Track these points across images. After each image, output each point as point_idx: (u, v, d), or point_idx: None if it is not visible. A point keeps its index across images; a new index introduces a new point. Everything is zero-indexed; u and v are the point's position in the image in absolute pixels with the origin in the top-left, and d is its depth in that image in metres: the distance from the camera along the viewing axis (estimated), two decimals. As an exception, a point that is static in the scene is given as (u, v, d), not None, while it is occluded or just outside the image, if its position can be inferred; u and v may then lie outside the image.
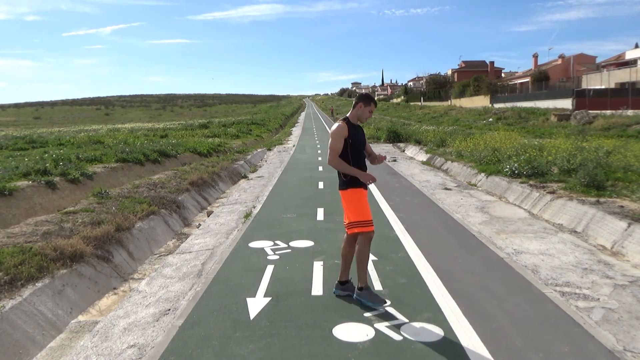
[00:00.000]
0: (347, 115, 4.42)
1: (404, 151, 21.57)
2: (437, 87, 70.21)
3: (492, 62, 70.36)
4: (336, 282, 4.61)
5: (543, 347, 3.52)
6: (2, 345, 3.71)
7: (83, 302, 4.84)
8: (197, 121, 41.07)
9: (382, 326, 3.87)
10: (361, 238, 4.29)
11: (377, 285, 4.79)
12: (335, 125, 4.35)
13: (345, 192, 4.37)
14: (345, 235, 4.49)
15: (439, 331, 3.78)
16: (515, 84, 56.29)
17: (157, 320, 4.26)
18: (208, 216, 9.02)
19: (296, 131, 41.23)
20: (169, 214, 8.16)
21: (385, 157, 4.57)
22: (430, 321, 3.96)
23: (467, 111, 43.60)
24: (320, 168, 15.71)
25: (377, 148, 23.02)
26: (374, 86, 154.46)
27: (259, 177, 14.10)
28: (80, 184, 9.50)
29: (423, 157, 17.97)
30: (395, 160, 17.37)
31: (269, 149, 24.02)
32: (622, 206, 7.07)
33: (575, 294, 4.58)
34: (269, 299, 4.52)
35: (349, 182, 4.34)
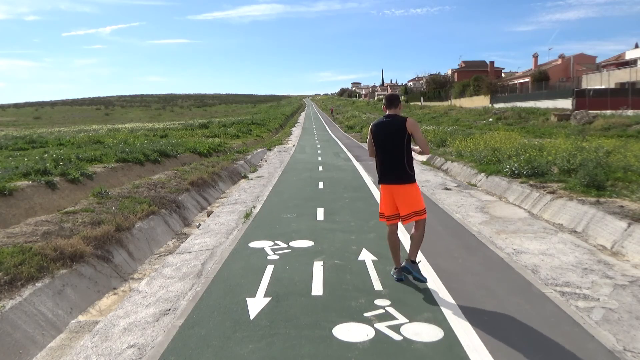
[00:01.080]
0: (398, 112, 4.74)
1: (404, 151, 21.57)
2: (437, 87, 70.16)
3: (492, 62, 70.31)
4: (407, 259, 4.81)
5: (543, 347, 3.52)
6: (2, 345, 3.71)
7: (83, 302, 4.84)
8: (197, 121, 41.07)
9: (382, 326, 3.87)
10: (423, 222, 4.75)
11: (377, 286, 4.79)
12: (411, 119, 4.65)
13: (412, 186, 4.69)
14: (395, 226, 4.86)
15: (439, 331, 3.78)
16: (515, 84, 56.26)
17: (157, 320, 4.26)
18: (208, 216, 9.02)
19: (296, 131, 41.26)
20: (169, 214, 8.16)
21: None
22: (430, 321, 3.96)
23: (467, 111, 43.58)
24: (320, 168, 15.71)
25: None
26: (374, 86, 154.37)
27: (259, 177, 14.10)
28: (80, 184, 9.50)
29: (423, 157, 17.98)
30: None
31: (269, 149, 24.03)
32: (622, 206, 7.07)
33: (575, 294, 4.58)
34: (269, 299, 4.52)
35: (414, 176, 4.72)
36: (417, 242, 4.78)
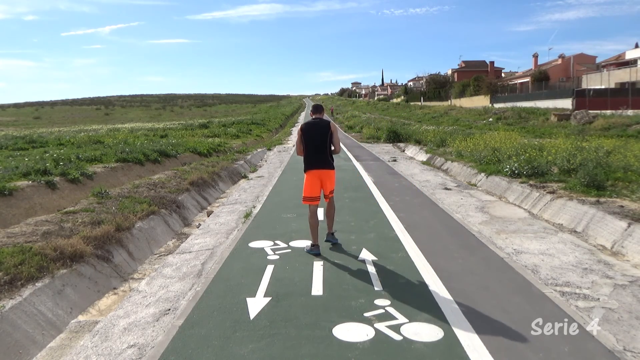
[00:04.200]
0: (322, 117, 6.19)
1: (404, 151, 21.58)
2: (437, 87, 70.18)
3: (492, 62, 70.36)
4: (328, 233, 6.37)
5: (543, 347, 3.52)
6: (2, 345, 3.71)
7: (83, 302, 4.84)
8: (197, 121, 41.03)
9: (382, 326, 3.87)
10: (333, 198, 6.35)
11: (377, 286, 4.79)
12: (333, 123, 6.14)
13: (334, 171, 6.16)
14: (328, 201, 6.29)
15: (439, 331, 3.78)
16: (515, 84, 56.27)
17: (157, 320, 4.26)
18: (208, 216, 9.02)
19: (296, 131, 41.23)
20: (169, 213, 8.16)
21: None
22: (430, 321, 3.96)
23: (467, 111, 43.60)
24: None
25: (377, 148, 23.04)
26: (374, 86, 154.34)
27: (259, 177, 14.10)
28: (80, 184, 9.50)
29: (423, 157, 17.97)
30: (395, 160, 17.37)
31: (269, 149, 24.01)
32: (622, 206, 7.07)
33: (575, 293, 4.58)
34: (269, 298, 4.52)
35: (334, 164, 6.14)
36: (333, 216, 6.36)
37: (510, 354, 3.42)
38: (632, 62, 41.88)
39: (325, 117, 6.51)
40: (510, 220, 7.74)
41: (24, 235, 5.82)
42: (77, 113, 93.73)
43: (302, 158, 6.14)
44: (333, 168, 6.09)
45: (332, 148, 6.00)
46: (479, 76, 56.49)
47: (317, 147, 5.91)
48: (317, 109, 6.24)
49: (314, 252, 5.90)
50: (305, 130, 5.96)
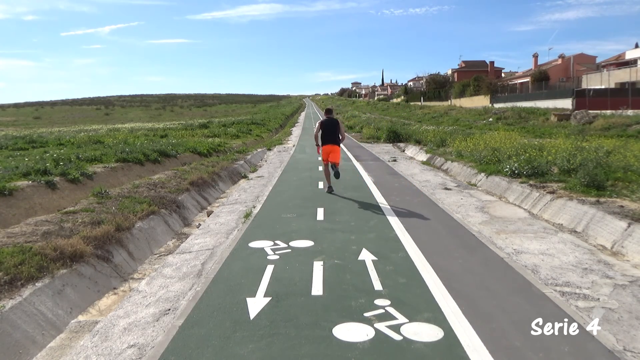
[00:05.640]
0: (333, 116, 10.42)
1: (404, 151, 21.58)
2: (437, 87, 70.12)
3: (492, 62, 70.28)
4: (328, 186, 10.31)
5: (543, 347, 3.52)
6: (2, 345, 3.71)
7: (83, 302, 4.84)
8: (197, 121, 40.98)
9: (382, 326, 3.87)
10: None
11: (377, 286, 4.79)
12: (340, 120, 8.82)
13: (340, 147, 10.17)
14: (332, 165, 10.20)
15: (439, 331, 3.78)
16: (515, 84, 56.24)
17: (157, 320, 4.27)
18: (208, 216, 9.02)
19: (296, 131, 41.23)
20: (169, 213, 8.16)
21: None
22: (430, 321, 3.96)
23: (467, 111, 43.58)
24: (320, 168, 15.68)
25: (377, 148, 23.04)
26: (374, 86, 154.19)
27: (259, 177, 14.10)
28: (80, 184, 9.50)
29: (423, 157, 17.97)
30: (395, 160, 17.37)
31: (269, 149, 24.01)
32: (622, 206, 7.07)
33: (575, 293, 4.58)
34: (269, 298, 4.52)
35: (340, 144, 10.25)
36: (336, 164, 10.23)
37: (510, 354, 3.43)
38: (632, 62, 41.85)
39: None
40: (510, 220, 7.74)
41: (24, 235, 5.82)
42: (77, 113, 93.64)
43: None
44: (339, 145, 10.10)
45: (340, 137, 10.06)
46: (479, 76, 56.43)
47: (330, 133, 9.88)
48: (329, 111, 10.51)
49: (329, 191, 10.08)
50: (324, 123, 9.96)
